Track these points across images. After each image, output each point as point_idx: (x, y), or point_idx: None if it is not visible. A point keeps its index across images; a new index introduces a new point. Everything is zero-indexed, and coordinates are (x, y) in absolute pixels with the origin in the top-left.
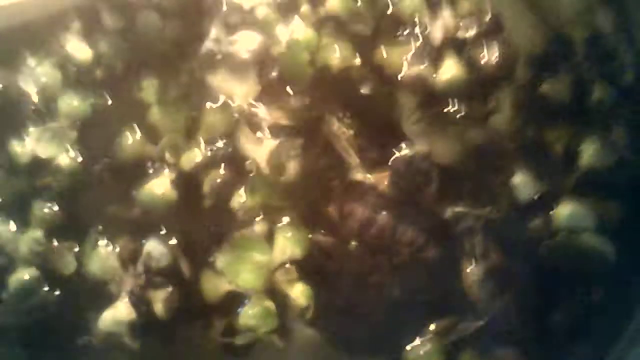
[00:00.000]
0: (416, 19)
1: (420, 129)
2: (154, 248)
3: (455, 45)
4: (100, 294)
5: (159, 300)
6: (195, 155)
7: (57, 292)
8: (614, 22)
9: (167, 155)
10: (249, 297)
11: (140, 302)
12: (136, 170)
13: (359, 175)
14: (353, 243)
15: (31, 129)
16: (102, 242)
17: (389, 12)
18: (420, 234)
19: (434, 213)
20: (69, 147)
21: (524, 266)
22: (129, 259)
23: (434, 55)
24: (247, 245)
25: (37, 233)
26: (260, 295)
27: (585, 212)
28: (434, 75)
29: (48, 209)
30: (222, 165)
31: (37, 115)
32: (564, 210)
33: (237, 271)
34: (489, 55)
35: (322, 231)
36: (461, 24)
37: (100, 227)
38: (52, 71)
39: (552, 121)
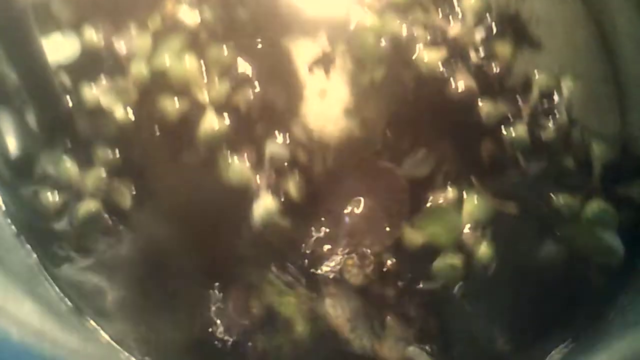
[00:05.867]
0: None
1: None
2: (274, 148)
3: None
4: (245, 196)
5: (292, 185)
6: (220, 87)
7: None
8: None
9: (201, 98)
10: (442, 250)
11: (278, 190)
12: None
13: None
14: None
15: (103, 80)
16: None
17: None
18: None
19: None
20: (127, 104)
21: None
22: (258, 163)
23: None
24: (440, 210)
25: (101, 172)
26: (450, 250)
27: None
28: None
29: (109, 152)
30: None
31: (112, 70)
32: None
33: (431, 230)
34: None
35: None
36: None
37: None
38: (146, 42)
39: None
